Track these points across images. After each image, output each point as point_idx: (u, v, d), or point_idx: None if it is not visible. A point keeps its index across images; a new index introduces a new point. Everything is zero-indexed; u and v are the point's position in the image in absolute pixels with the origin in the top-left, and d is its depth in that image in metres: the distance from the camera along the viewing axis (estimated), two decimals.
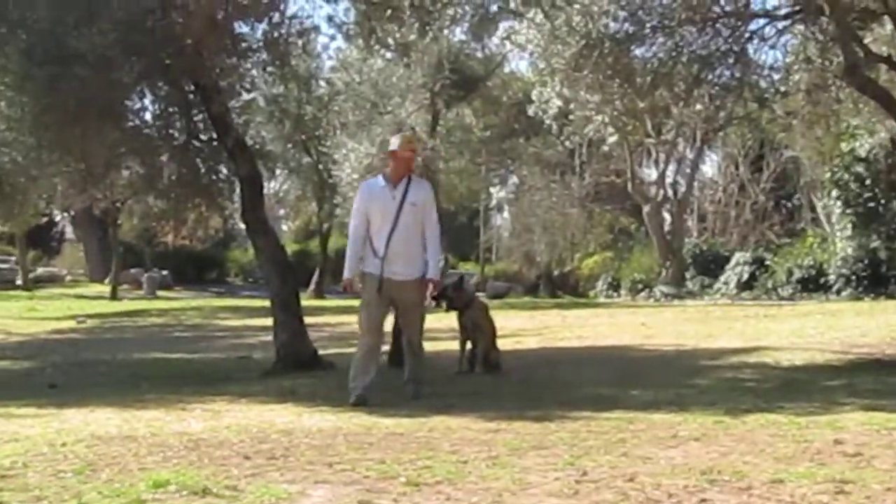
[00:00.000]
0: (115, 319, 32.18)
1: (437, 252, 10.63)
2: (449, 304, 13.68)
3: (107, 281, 51.01)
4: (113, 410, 10.60)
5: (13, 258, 57.30)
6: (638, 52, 14.69)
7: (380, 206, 10.43)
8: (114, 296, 45.04)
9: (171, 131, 15.76)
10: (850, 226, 33.64)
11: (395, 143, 10.71)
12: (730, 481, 6.50)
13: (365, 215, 10.54)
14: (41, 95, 14.00)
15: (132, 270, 55.23)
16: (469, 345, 13.57)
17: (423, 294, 10.74)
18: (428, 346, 15.07)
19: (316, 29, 15.54)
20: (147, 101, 16.30)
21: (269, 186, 45.74)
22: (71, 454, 7.82)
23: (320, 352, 15.05)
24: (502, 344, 14.51)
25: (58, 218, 66.22)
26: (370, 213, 10.49)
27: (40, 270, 61.29)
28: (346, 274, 10.65)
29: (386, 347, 12.55)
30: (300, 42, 15.12)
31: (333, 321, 25.58)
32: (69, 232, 72.28)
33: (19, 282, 52.75)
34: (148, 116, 16.50)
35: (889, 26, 15.23)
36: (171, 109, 15.62)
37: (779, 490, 6.25)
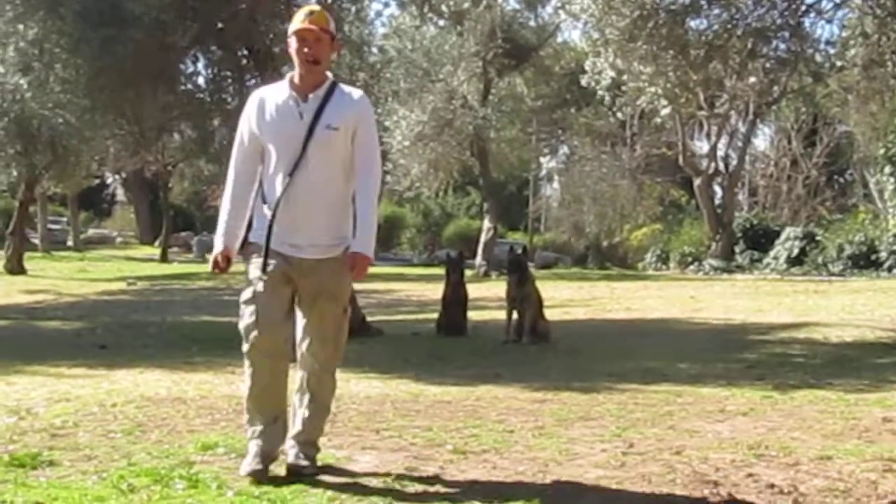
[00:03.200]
0: (165, 282, 32.36)
1: (372, 211, 5.88)
2: (521, 276, 13.72)
3: (157, 243, 51.52)
4: (162, 372, 10.70)
5: (65, 219, 57.90)
6: (693, 23, 14.61)
7: (276, 129, 5.81)
8: (164, 258, 45.42)
9: (223, 95, 15.86)
10: None
11: (296, 20, 5.82)
12: (777, 456, 6.47)
13: (252, 146, 5.90)
14: (96, 58, 14.09)
15: (182, 234, 55.77)
16: (516, 314, 13.58)
17: (343, 283, 6.02)
18: (473, 315, 15.16)
19: None
20: (200, 66, 16.42)
21: None
22: (121, 415, 7.91)
23: (368, 318, 15.10)
24: (550, 314, 14.51)
25: (109, 180, 66.95)
26: (262, 140, 5.86)
27: (91, 232, 61.99)
28: (217, 243, 5.94)
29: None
30: (353, 8, 15.15)
31: (382, 288, 25.60)
32: (120, 194, 73.01)
33: (70, 243, 53.29)
34: (201, 80, 16.62)
35: None
36: (223, 74, 15.71)
37: (826, 466, 6.22)
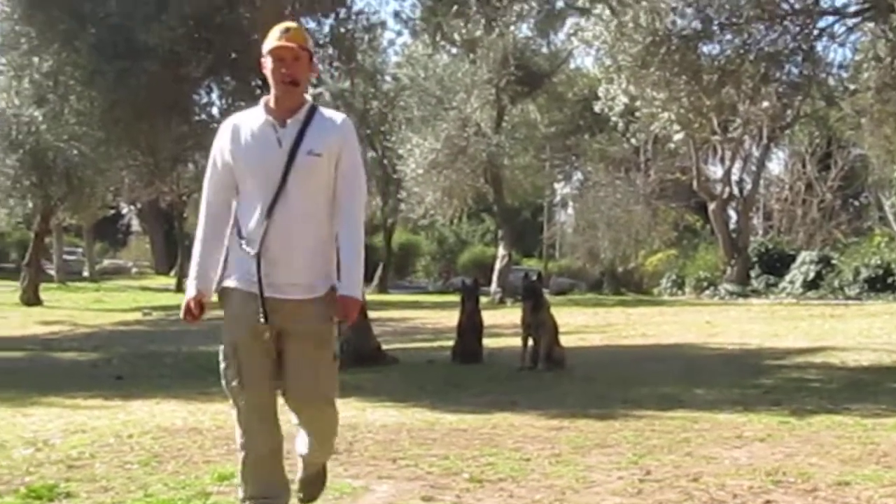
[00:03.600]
0: (180, 312, 32.33)
1: (358, 247, 5.13)
2: (536, 302, 13.71)
3: (172, 273, 51.59)
4: (178, 403, 10.71)
5: (80, 250, 58.07)
6: (705, 49, 14.65)
7: (253, 158, 5.06)
8: (179, 288, 45.39)
9: None
10: None
11: (271, 37, 5.12)
12: (795, 482, 6.45)
13: (226, 178, 5.15)
14: (111, 90, 14.17)
15: None
16: (531, 341, 13.57)
17: (326, 328, 5.14)
18: (489, 342, 15.14)
19: (382, 25, 15.64)
20: (214, 96, 16.50)
21: None
22: (137, 445, 7.93)
23: (384, 347, 15.10)
24: (566, 341, 14.50)
25: (124, 211, 67.10)
26: (237, 171, 5.10)
27: (106, 262, 62.17)
28: (189, 288, 5.16)
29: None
30: (366, 38, 15.21)
31: (397, 316, 25.60)
32: (135, 224, 73.22)
33: (86, 273, 53.44)
34: (215, 111, 16.69)
35: None
36: (238, 104, 15.76)
37: (844, 492, 6.20)
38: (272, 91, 5.10)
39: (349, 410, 9.83)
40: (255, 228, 4.97)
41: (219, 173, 5.15)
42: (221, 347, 5.12)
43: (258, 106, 5.17)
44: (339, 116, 5.26)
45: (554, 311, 14.34)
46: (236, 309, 5.05)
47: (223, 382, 5.12)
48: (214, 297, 5.11)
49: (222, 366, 5.10)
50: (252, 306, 4.91)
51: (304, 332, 4.98)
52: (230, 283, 5.08)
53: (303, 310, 4.95)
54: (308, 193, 5.01)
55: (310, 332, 5.00)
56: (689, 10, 14.24)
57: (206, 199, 5.19)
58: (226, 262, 5.12)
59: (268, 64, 5.07)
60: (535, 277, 15.11)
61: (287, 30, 5.11)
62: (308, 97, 5.23)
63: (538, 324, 13.58)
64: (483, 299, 18.29)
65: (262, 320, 4.91)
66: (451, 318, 16.18)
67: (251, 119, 5.13)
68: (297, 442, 5.29)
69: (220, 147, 5.14)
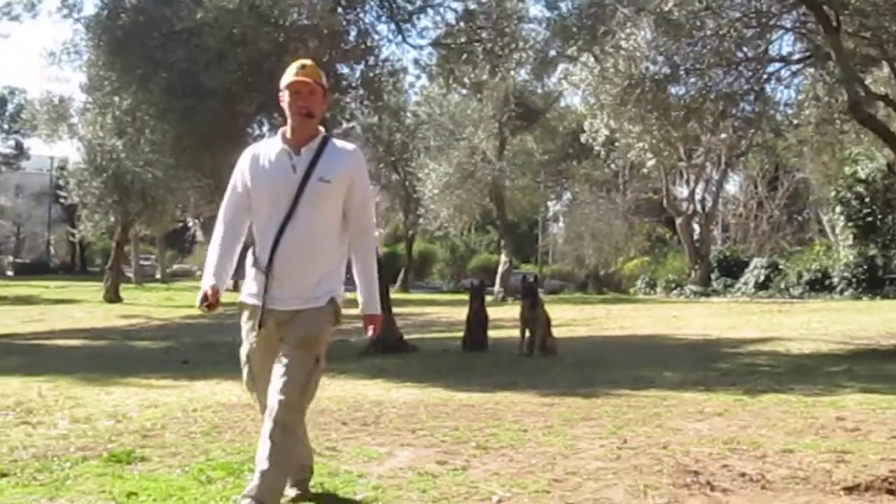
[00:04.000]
0: (236, 308, 32.38)
1: (373, 273, 5.03)
2: (532, 300, 13.69)
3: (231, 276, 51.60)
4: (234, 383, 10.64)
5: (153, 256, 58.27)
6: (673, 90, 14.64)
7: (268, 182, 4.80)
8: (235, 288, 45.24)
9: None
10: (851, 236, 33.37)
11: (289, 73, 4.88)
12: (747, 450, 6.46)
13: (242, 199, 4.92)
14: (179, 124, 14.20)
15: None
16: (528, 333, 13.57)
17: (319, 332, 4.85)
18: (492, 333, 15.13)
19: (404, 70, 15.60)
20: (265, 129, 16.49)
21: None
22: (200, 418, 7.95)
23: (405, 337, 15.10)
24: (557, 332, 14.47)
25: (190, 223, 67.03)
26: (254, 193, 4.86)
27: (175, 267, 62.34)
28: (205, 282, 4.99)
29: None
30: (391, 81, 15.22)
31: (417, 311, 25.59)
32: (199, 235, 73.07)
33: (158, 276, 53.58)
34: None
35: (886, 70, 15.03)
36: None
37: (789, 458, 6.19)
38: (289, 122, 4.85)
39: (376, 390, 9.85)
40: (266, 247, 4.77)
41: (237, 195, 4.92)
42: (241, 348, 5.07)
43: (276, 136, 4.93)
44: (350, 147, 4.95)
45: (547, 307, 14.31)
46: (248, 322, 4.96)
47: (243, 381, 5.19)
48: (228, 289, 4.99)
49: (243, 365, 5.08)
50: (257, 318, 4.85)
51: (293, 334, 4.76)
52: (244, 298, 4.97)
53: (300, 315, 4.77)
54: (317, 217, 4.75)
55: (297, 334, 4.75)
56: (659, 58, 14.21)
57: (222, 216, 4.99)
58: (244, 277, 4.98)
59: (285, 97, 4.83)
60: (531, 280, 15.07)
61: (303, 66, 4.86)
62: (321, 129, 4.94)
63: (534, 318, 13.57)
64: (488, 298, 18.28)
65: (256, 328, 4.85)
66: (462, 314, 16.15)
67: (269, 147, 4.88)
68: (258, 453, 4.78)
69: (241, 171, 4.91)
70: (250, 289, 4.92)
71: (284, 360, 4.69)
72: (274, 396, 4.65)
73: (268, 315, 4.80)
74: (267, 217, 4.82)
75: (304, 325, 4.76)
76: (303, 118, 4.81)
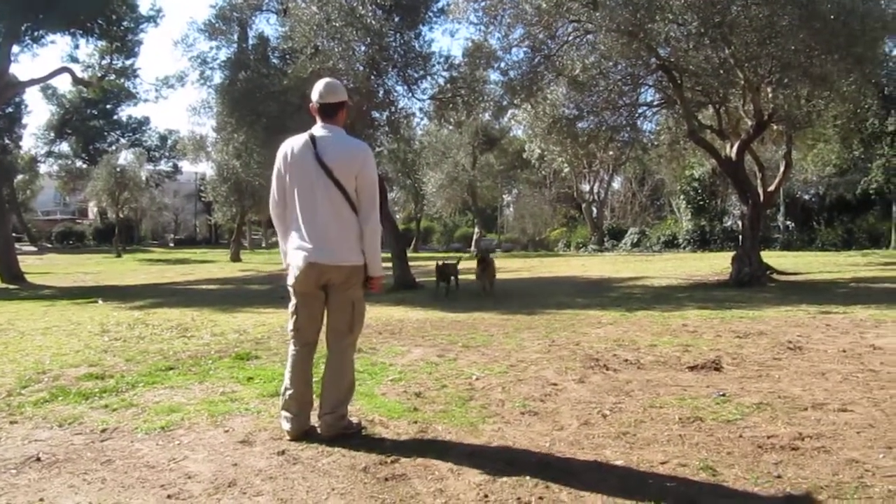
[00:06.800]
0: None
1: (376, 243, 3.87)
2: (485, 264, 13.06)
3: None
4: None
5: (260, 232, 57.89)
6: (580, 125, 14.49)
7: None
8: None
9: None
10: (690, 213, 33.48)
11: (316, 88, 4.01)
12: (628, 345, 6.44)
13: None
14: (273, 151, 14.05)
15: None
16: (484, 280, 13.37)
17: (358, 285, 3.90)
18: (466, 278, 15.04)
19: (413, 115, 15.43)
20: None
21: (390, 195, 45.90)
22: None
23: (418, 279, 15.06)
24: (508, 276, 14.44)
25: None
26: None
27: (273, 239, 61.75)
28: (284, 260, 4.00)
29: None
30: (405, 122, 15.08)
31: (423, 264, 25.34)
32: None
33: (264, 245, 53.30)
34: None
35: (711, 110, 14.95)
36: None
37: (654, 350, 6.19)
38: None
39: (399, 312, 9.82)
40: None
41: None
42: (290, 301, 4.00)
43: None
44: (361, 143, 3.93)
45: (501, 261, 14.24)
46: (296, 277, 3.87)
47: (288, 325, 4.04)
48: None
49: (289, 314, 4.01)
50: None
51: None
52: (290, 260, 3.90)
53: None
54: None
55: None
56: (571, 105, 14.08)
57: (272, 202, 4.01)
58: (288, 244, 3.92)
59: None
60: (485, 250, 14.84)
61: (328, 83, 4.00)
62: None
63: (484, 271, 12.83)
64: (464, 255, 18.15)
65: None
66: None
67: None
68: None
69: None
70: (296, 251, 3.91)
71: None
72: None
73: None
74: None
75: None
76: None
